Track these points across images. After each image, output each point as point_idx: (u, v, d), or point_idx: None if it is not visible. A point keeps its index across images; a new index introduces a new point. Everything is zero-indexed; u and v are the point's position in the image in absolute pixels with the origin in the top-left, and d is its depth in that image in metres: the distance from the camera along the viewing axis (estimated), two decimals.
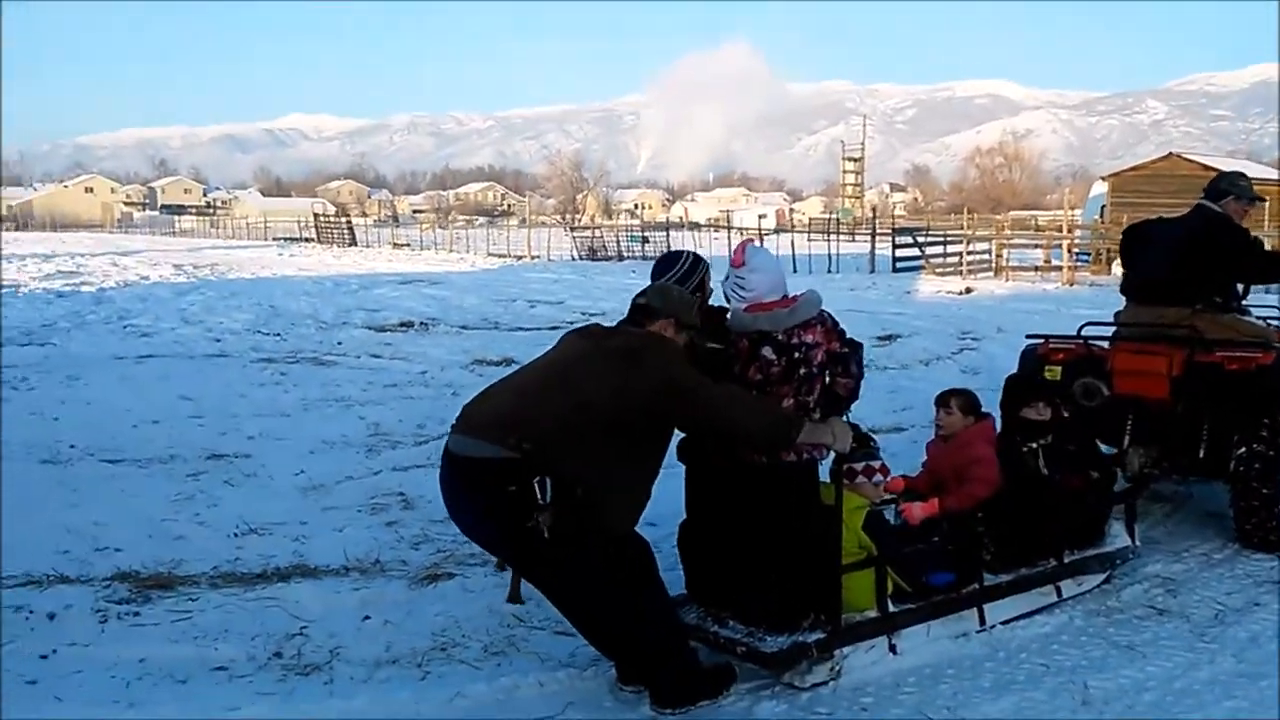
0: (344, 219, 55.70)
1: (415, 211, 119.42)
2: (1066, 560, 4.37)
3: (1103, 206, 31.32)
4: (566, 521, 3.11)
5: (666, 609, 3.53)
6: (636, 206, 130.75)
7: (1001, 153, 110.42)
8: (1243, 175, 5.69)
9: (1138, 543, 4.72)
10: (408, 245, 47.01)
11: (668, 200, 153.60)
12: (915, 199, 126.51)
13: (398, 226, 70.47)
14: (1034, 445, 4.60)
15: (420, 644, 3.96)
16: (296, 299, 18.02)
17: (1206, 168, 29.80)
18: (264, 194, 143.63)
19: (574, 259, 35.66)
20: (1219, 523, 5.46)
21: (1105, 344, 5.59)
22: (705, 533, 3.78)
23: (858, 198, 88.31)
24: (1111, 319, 5.80)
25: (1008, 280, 23.56)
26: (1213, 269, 5.38)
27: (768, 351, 3.59)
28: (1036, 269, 25.89)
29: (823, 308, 3.71)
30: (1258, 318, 5.72)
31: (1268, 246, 18.45)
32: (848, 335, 3.76)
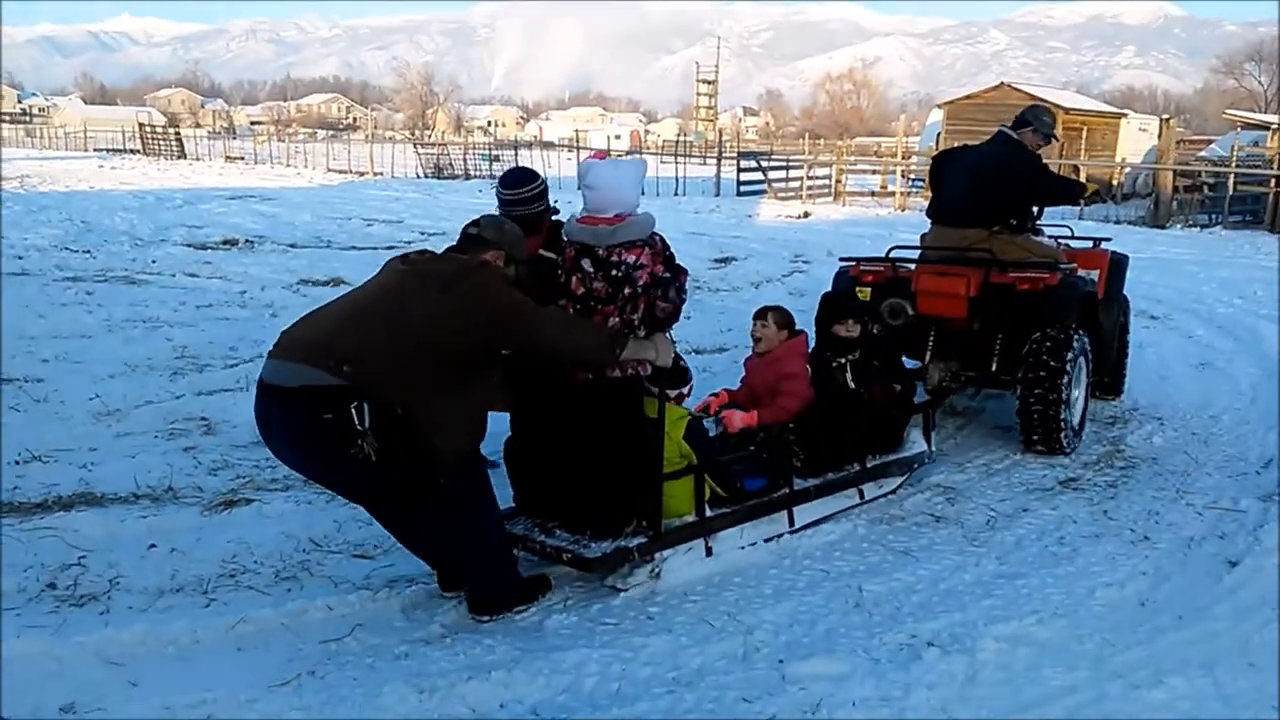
0: (173, 129, 52.41)
1: (253, 123, 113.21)
2: (869, 465, 4.70)
3: (938, 134, 32.37)
4: (392, 446, 3.14)
5: (496, 522, 3.62)
6: (490, 124, 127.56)
7: (851, 79, 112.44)
8: (1048, 112, 6.07)
9: (934, 449, 5.12)
10: (241, 159, 44.70)
11: (522, 118, 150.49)
12: (767, 124, 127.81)
13: (233, 139, 66.70)
14: (843, 360, 4.91)
15: (208, 571, 3.85)
16: (113, 214, 16.89)
17: (1034, 98, 31.11)
18: (87, 102, 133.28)
19: (419, 177, 34.64)
20: (1003, 435, 5.83)
21: (911, 266, 5.84)
22: (532, 447, 3.90)
23: (711, 121, 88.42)
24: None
25: (845, 205, 24.19)
26: (1007, 193, 5.72)
27: (586, 264, 3.74)
28: (873, 194, 26.66)
29: (655, 231, 3.79)
30: (1050, 237, 6.10)
31: (1084, 175, 19.62)
32: (676, 261, 3.83)
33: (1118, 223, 20.68)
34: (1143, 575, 3.96)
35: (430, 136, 70.55)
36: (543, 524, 3.84)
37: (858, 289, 5.78)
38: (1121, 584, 3.87)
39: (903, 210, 22.35)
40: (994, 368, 5.63)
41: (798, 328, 4.78)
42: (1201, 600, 3.75)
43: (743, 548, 4.06)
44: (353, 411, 3.09)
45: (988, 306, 5.47)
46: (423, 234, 15.90)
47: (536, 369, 3.70)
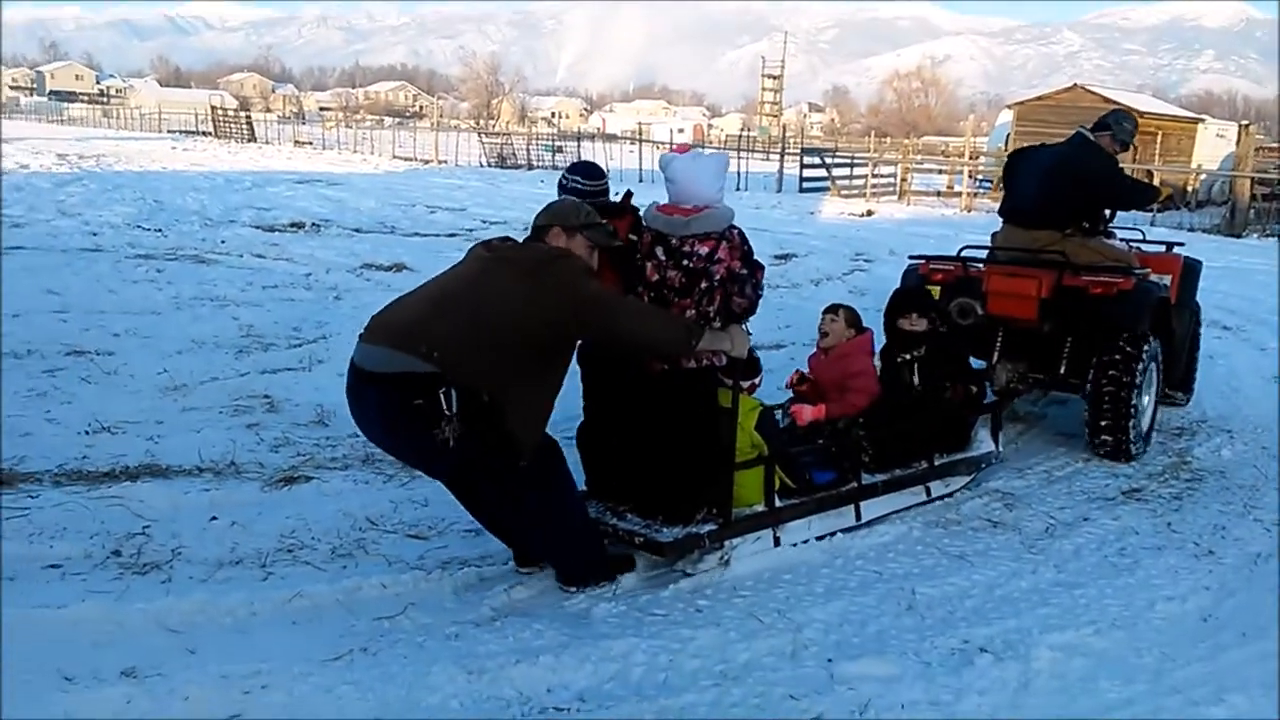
0: (244, 113, 53.43)
1: (322, 109, 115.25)
2: (936, 463, 4.69)
3: (1008, 135, 31.80)
4: (474, 431, 3.22)
5: (578, 500, 3.72)
6: (553, 115, 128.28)
7: (919, 77, 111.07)
8: (1129, 118, 5.90)
9: (1001, 449, 5.05)
10: (310, 144, 45.41)
11: (586, 110, 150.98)
12: (833, 120, 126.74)
13: (302, 124, 67.83)
14: (908, 356, 4.88)
15: (266, 545, 3.92)
16: (184, 195, 17.29)
17: (1108, 100, 30.42)
18: (161, 84, 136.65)
19: (482, 165, 34.93)
20: (1066, 442, 5.73)
21: (981, 266, 5.77)
22: (605, 433, 3.95)
23: (775, 116, 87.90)
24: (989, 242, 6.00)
25: (909, 204, 23.89)
26: (1080, 195, 5.64)
27: (659, 251, 3.86)
28: (939, 194, 26.30)
29: (734, 225, 3.86)
30: (1122, 240, 5.98)
31: (1157, 180, 19.25)
32: (754, 256, 3.90)
33: (1191, 230, 20.15)
34: (1206, 590, 3.86)
35: (494, 126, 71.07)
36: (614, 508, 3.89)
37: (928, 287, 5.65)
38: (1184, 598, 3.77)
39: (969, 211, 22.02)
40: (1062, 370, 5.58)
41: (864, 325, 4.77)
42: (1266, 618, 3.64)
43: (807, 541, 4.07)
44: (441, 397, 3.16)
45: (1059, 309, 5.40)
46: (484, 222, 16.04)
47: (613, 357, 3.79)
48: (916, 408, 4.70)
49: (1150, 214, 21.12)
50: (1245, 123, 26.23)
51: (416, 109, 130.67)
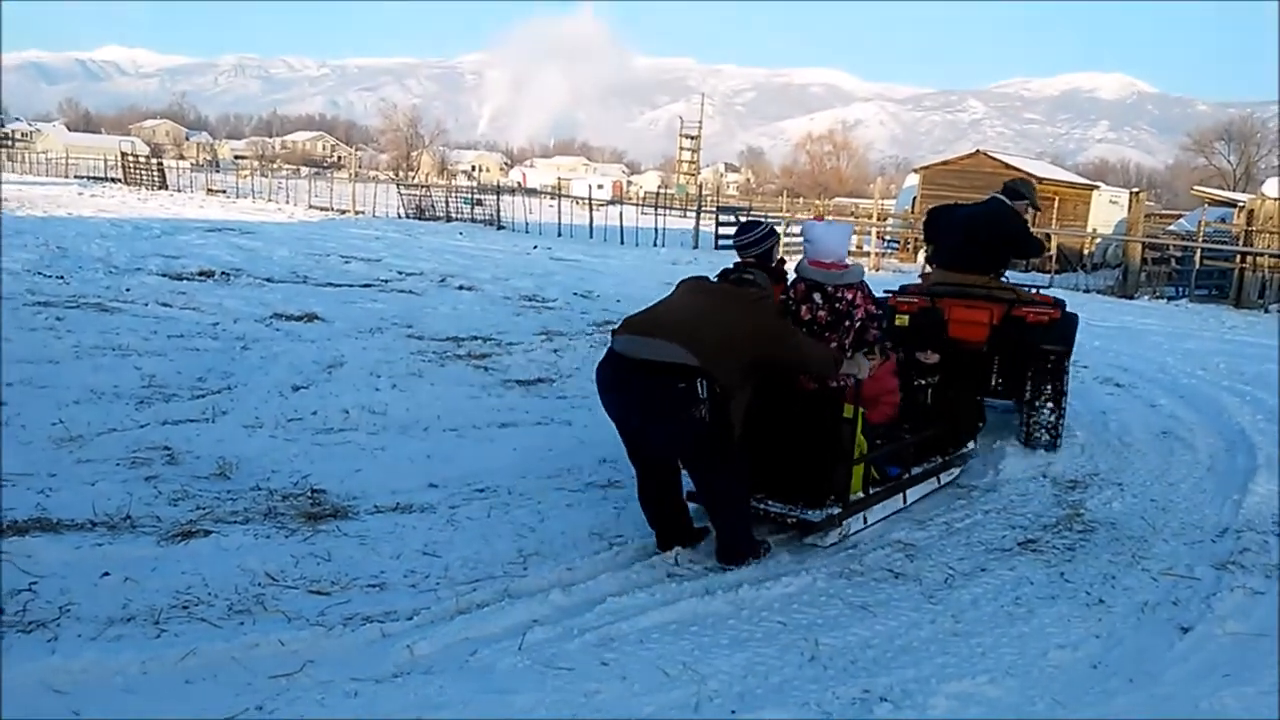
0: (155, 160, 52.34)
1: (237, 157, 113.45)
2: (945, 459, 6.00)
3: (914, 198, 32.90)
4: (717, 415, 4.26)
5: (749, 489, 4.64)
6: (474, 168, 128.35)
7: (831, 141, 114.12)
8: (1032, 187, 7.44)
9: (975, 447, 6.54)
10: (223, 192, 44.73)
11: (506, 164, 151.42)
12: (748, 180, 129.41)
13: (216, 172, 66.77)
14: (924, 382, 6.16)
15: (160, 602, 3.81)
16: (89, 241, 16.83)
17: (1009, 166, 31.79)
18: (70, 128, 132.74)
19: (400, 217, 34.75)
20: (965, 496, 5.89)
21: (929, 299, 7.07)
22: (754, 435, 4.66)
23: (693, 175, 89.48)
24: (918, 282, 7.54)
25: None
26: (1001, 247, 7.12)
27: (817, 297, 5.04)
28: (849, 254, 26.95)
29: (863, 278, 5.16)
30: (1020, 285, 7.48)
31: (1054, 243, 20.52)
32: (877, 298, 5.34)
33: (1087, 291, 21.02)
34: (1096, 639, 3.99)
35: (414, 178, 70.77)
36: (759, 496, 4.75)
37: (896, 317, 6.82)
38: (1075, 646, 3.90)
39: (876, 269, 22.61)
40: (994, 383, 7.06)
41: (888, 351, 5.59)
42: (1153, 665, 3.78)
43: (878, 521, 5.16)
44: (699, 385, 4.15)
45: (1004, 334, 6.81)
46: (400, 273, 15.94)
47: (772, 376, 4.70)
48: (935, 418, 6.01)
49: (1049, 275, 21.96)
50: (1136, 190, 27.55)
51: (335, 159, 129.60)
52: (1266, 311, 18.71)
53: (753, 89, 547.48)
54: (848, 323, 5.00)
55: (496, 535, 4.73)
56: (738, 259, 5.05)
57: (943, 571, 4.63)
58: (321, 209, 37.43)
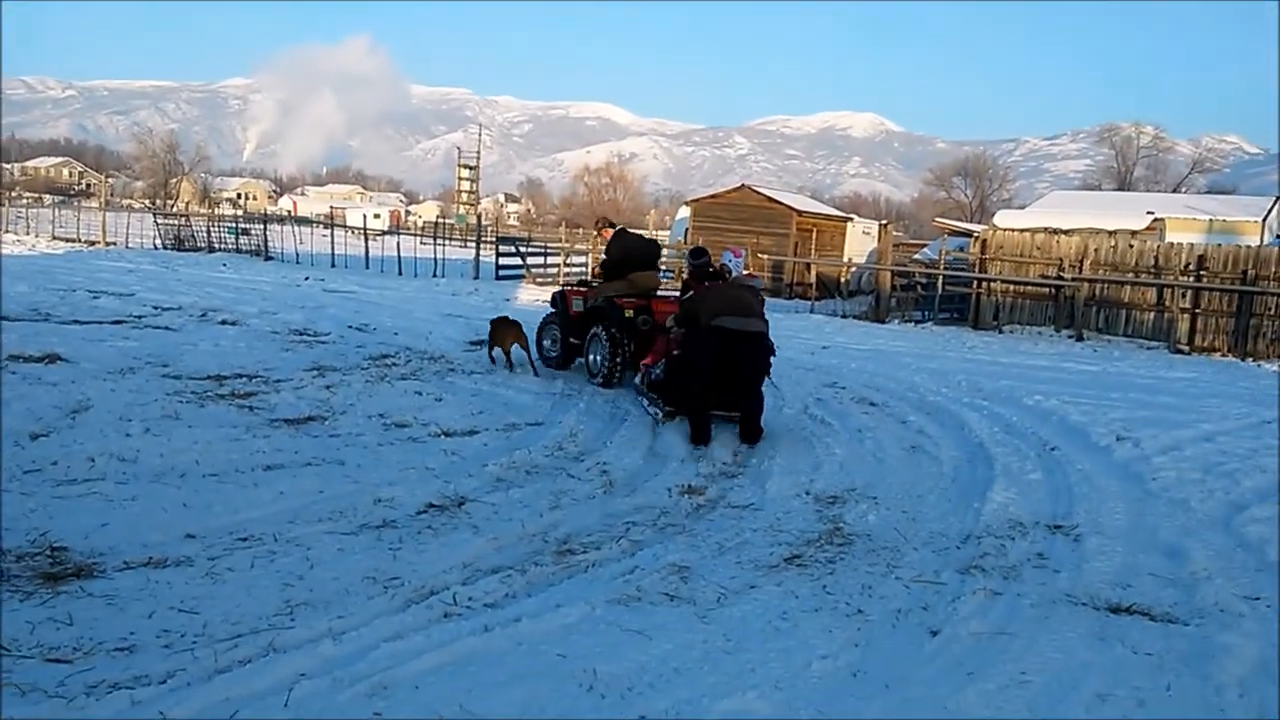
0: None
1: None
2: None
3: (686, 228, 34.05)
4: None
5: None
6: (240, 196, 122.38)
7: (608, 173, 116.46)
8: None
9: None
10: None
11: (275, 192, 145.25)
12: (529, 210, 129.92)
13: None
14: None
15: None
16: None
17: (771, 200, 33.46)
18: None
19: (157, 248, 32.61)
20: (736, 514, 6.13)
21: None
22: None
23: (472, 205, 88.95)
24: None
25: None
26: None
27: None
28: None
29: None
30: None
31: (814, 272, 22.13)
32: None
33: (845, 316, 22.41)
34: (855, 647, 4.23)
35: (173, 206, 66.59)
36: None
37: (577, 302, 11.40)
38: (836, 655, 4.12)
39: None
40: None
41: None
42: (906, 669, 4.05)
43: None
44: (769, 341, 8.40)
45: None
46: (156, 308, 14.95)
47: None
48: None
49: (810, 301, 23.21)
50: (885, 221, 29.67)
51: (83, 187, 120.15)
52: (1000, 332, 20.56)
53: (530, 121, 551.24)
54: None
55: (261, 586, 4.50)
56: (693, 267, 9.17)
57: (715, 591, 4.79)
58: (67, 240, 34.61)
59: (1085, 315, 20.16)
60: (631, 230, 12.38)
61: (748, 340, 8.16)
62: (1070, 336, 19.85)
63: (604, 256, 11.42)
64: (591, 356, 10.85)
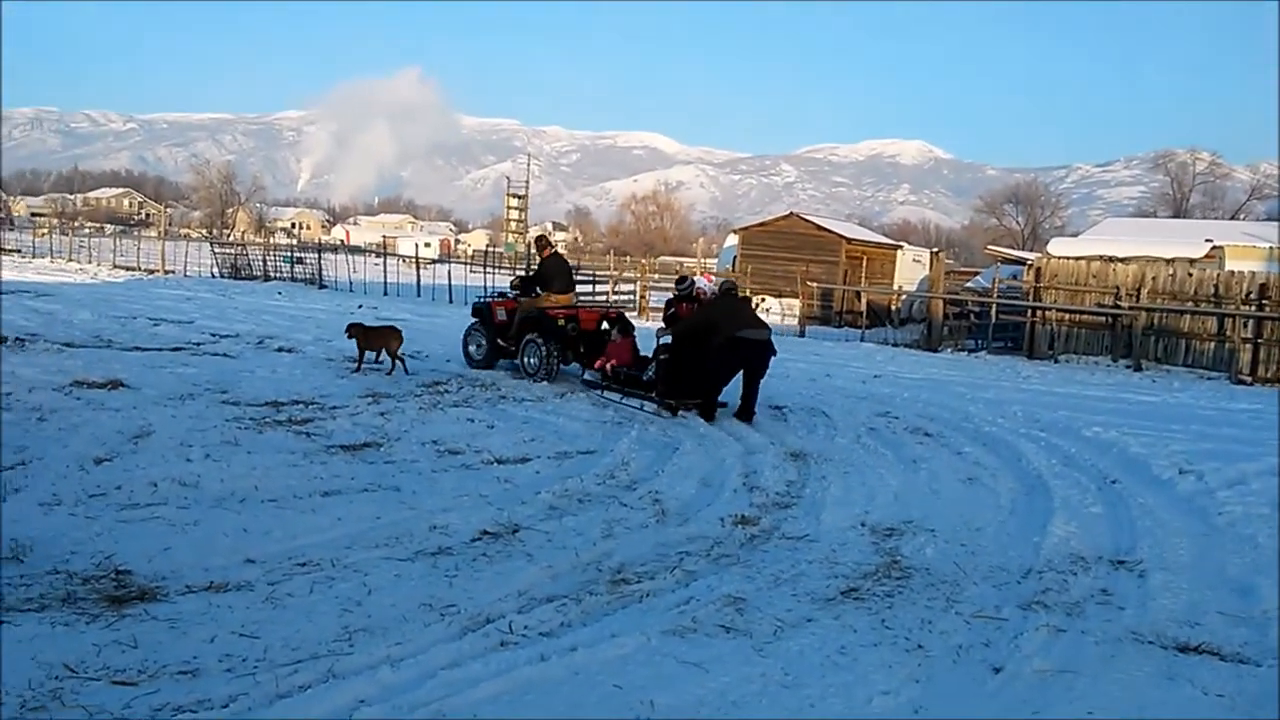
0: None
1: (34, 215, 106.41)
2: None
3: (734, 256, 34.06)
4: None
5: None
6: (294, 225, 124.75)
7: (655, 201, 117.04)
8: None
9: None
10: (17, 251, 41.78)
11: (329, 221, 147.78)
12: (576, 239, 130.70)
13: (10, 230, 62.38)
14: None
15: None
16: None
17: (819, 227, 33.36)
18: None
19: (215, 276, 33.30)
20: (791, 545, 6.07)
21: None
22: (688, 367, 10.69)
23: (521, 234, 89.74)
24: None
25: (648, 320, 24.90)
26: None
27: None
28: None
29: None
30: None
31: (864, 300, 22.03)
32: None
33: (896, 345, 22.21)
34: (916, 683, 4.16)
35: (229, 235, 67.95)
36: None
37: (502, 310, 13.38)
38: (897, 691, 4.05)
39: None
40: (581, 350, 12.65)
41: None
42: (969, 705, 3.97)
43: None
44: (772, 343, 10.69)
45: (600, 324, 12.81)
46: (214, 335, 15.26)
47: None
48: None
49: (860, 330, 23.05)
50: (937, 249, 29.45)
51: (143, 216, 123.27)
52: (1056, 361, 20.23)
53: (577, 150, 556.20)
54: None
55: (320, 612, 4.54)
56: (679, 292, 12.20)
57: (771, 623, 4.74)
58: (128, 268, 35.51)
59: (1143, 345, 19.78)
60: (561, 254, 14.35)
61: (762, 346, 10.49)
62: (1128, 366, 19.48)
63: (534, 271, 13.62)
64: (527, 359, 12.67)
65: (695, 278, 12.32)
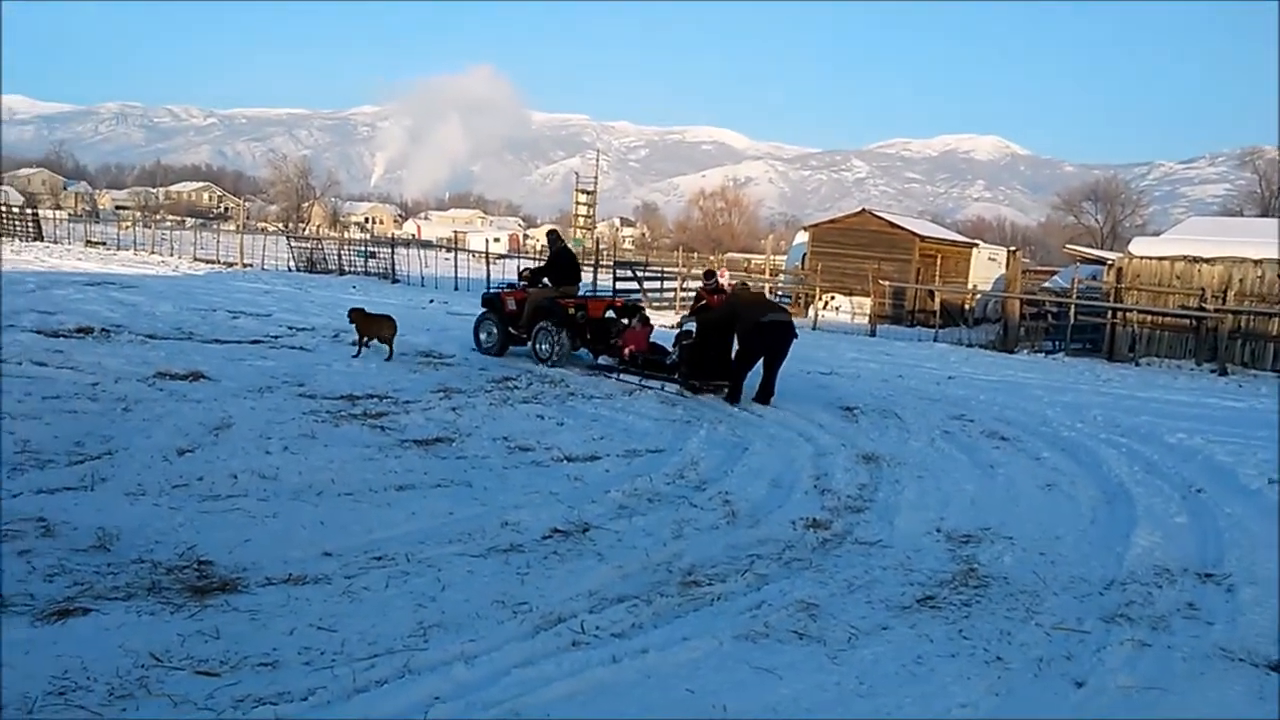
0: (30, 210, 50.24)
1: (118, 208, 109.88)
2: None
3: (804, 254, 33.74)
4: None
5: None
6: (367, 220, 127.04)
7: (723, 197, 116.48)
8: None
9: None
10: (103, 244, 43.20)
11: (400, 217, 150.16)
12: (643, 234, 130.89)
13: (96, 223, 64.46)
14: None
15: (34, 688, 3.57)
16: None
17: (893, 225, 32.88)
18: None
19: (291, 270, 34.03)
20: (864, 550, 5.98)
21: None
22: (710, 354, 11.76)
23: (589, 229, 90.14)
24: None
25: None
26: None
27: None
28: None
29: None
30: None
31: (937, 299, 21.70)
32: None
33: (970, 345, 21.80)
34: (995, 696, 4.07)
35: (305, 230, 69.37)
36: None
37: (512, 299, 14.19)
38: (975, 704, 3.97)
39: None
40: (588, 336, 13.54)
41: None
42: None
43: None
44: (794, 326, 11.61)
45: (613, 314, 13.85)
46: (291, 328, 15.57)
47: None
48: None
49: (933, 330, 22.69)
50: (1013, 248, 28.82)
51: (222, 210, 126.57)
52: (1137, 364, 19.69)
53: (646, 146, 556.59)
54: None
55: (395, 606, 4.60)
56: (706, 284, 12.92)
57: (845, 630, 4.67)
58: (208, 261, 36.44)
59: (1229, 348, 19.16)
60: (570, 250, 15.00)
61: (785, 327, 11.30)
62: (1212, 371, 18.88)
63: (544, 262, 14.57)
64: (540, 345, 13.52)
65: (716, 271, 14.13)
